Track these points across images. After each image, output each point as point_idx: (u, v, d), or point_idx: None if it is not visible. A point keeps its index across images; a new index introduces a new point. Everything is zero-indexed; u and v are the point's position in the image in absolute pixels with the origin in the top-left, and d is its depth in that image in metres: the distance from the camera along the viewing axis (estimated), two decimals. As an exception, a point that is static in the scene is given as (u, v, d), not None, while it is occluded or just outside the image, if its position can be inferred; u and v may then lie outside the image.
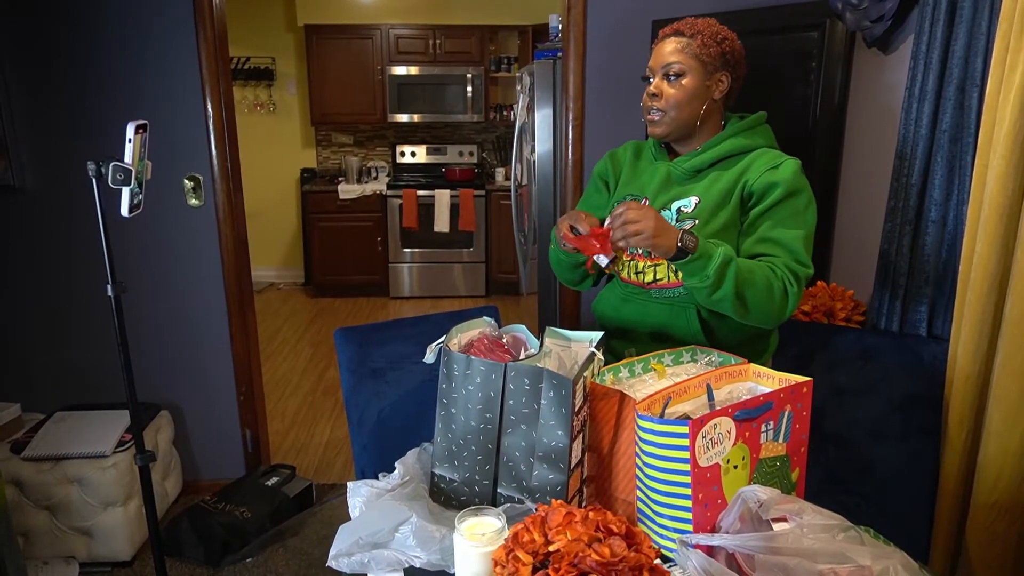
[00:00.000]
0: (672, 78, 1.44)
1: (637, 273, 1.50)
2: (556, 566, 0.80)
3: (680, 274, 1.38)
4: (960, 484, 1.53)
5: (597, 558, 0.79)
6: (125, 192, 1.62)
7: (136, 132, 1.59)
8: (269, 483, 2.65)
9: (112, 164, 1.57)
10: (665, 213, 1.47)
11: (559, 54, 2.77)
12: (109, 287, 1.70)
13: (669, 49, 1.44)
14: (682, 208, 1.46)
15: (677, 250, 1.29)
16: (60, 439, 2.42)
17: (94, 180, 1.60)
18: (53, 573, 2.33)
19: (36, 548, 2.37)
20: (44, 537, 2.36)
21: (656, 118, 1.47)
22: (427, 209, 5.45)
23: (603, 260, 1.42)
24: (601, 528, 0.85)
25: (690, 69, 1.43)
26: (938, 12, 1.58)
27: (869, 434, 1.66)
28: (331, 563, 1.10)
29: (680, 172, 1.50)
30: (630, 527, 0.88)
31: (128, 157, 1.59)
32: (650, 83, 1.48)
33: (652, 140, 1.57)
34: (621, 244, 1.32)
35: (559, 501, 0.93)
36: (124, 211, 1.63)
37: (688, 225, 1.43)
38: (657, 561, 0.94)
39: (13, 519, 2.21)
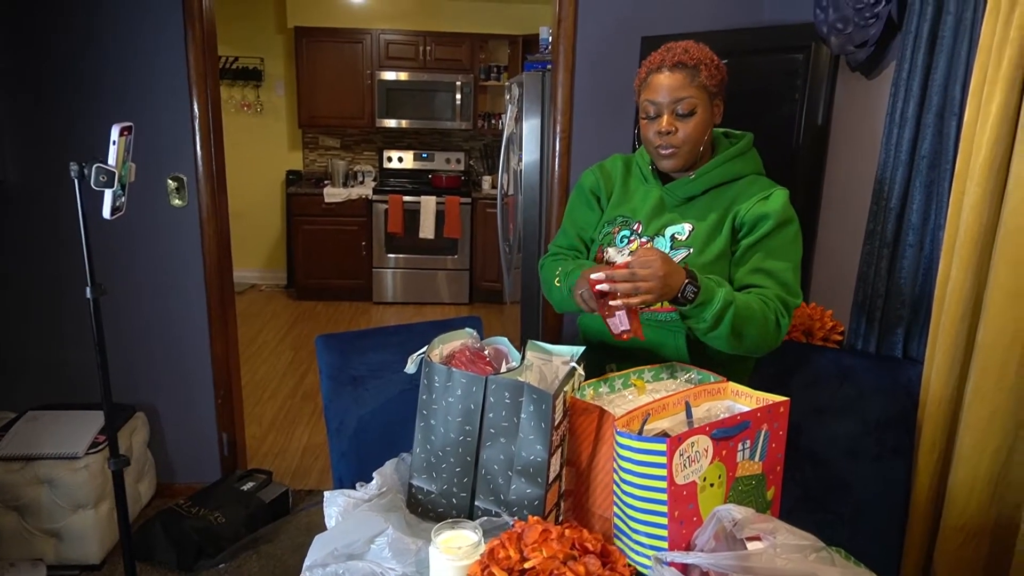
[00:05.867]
0: (685, 114, 1.41)
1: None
2: (531, 583, 0.80)
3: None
4: (931, 506, 1.55)
5: (572, 576, 0.79)
6: (108, 194, 1.60)
7: (121, 134, 1.58)
8: (245, 488, 2.63)
9: (95, 166, 1.55)
10: (659, 239, 1.48)
11: (548, 66, 2.79)
12: (88, 289, 1.68)
13: (675, 84, 1.40)
14: (676, 235, 1.47)
15: (677, 299, 1.29)
16: (31, 439, 2.38)
17: (76, 181, 1.58)
18: (20, 575, 2.29)
19: (3, 549, 2.32)
20: (12, 538, 2.32)
21: (669, 153, 1.44)
22: (412, 215, 5.44)
23: (619, 327, 1.35)
24: (577, 546, 0.85)
25: (700, 102, 1.41)
26: (919, 41, 1.61)
27: (845, 454, 1.68)
28: (305, 574, 1.09)
29: (673, 198, 1.50)
30: (605, 545, 0.89)
31: (112, 159, 1.58)
32: (652, 118, 1.44)
33: (643, 160, 1.56)
34: (634, 302, 1.28)
35: (535, 518, 0.93)
36: (106, 213, 1.62)
37: (683, 254, 1.44)
38: (632, 578, 0.95)
39: (-20, 520, 2.18)
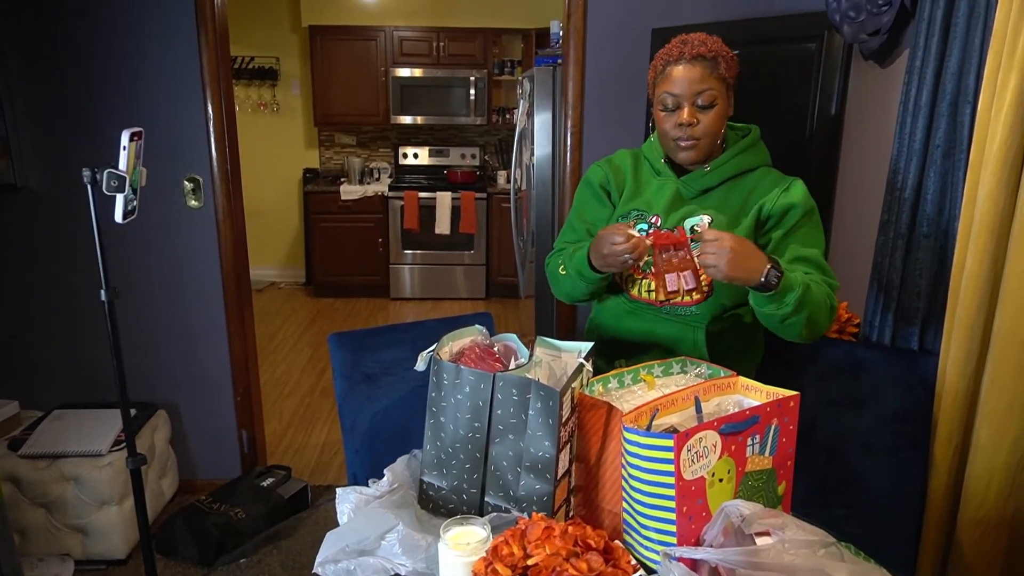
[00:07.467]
0: (705, 105, 1.42)
1: (649, 291, 1.50)
2: (535, 579, 0.81)
3: (695, 295, 1.41)
4: (947, 499, 1.54)
5: (574, 572, 0.80)
6: (119, 199, 1.64)
7: (131, 140, 1.61)
8: (264, 484, 2.66)
9: (106, 171, 1.59)
10: None
11: (559, 61, 2.78)
12: (102, 292, 1.72)
13: (696, 75, 1.41)
14: (696, 227, 1.46)
15: (761, 285, 1.29)
16: (57, 437, 2.43)
17: (89, 187, 1.62)
18: (48, 570, 2.34)
19: (32, 545, 2.38)
20: (40, 534, 2.38)
21: (689, 145, 1.45)
22: (428, 211, 5.46)
23: (671, 285, 1.35)
24: (579, 542, 0.85)
25: (719, 94, 1.43)
26: (933, 28, 1.59)
27: (859, 447, 1.67)
28: (317, 570, 1.11)
29: (689, 190, 1.51)
30: (608, 542, 0.89)
31: (123, 164, 1.61)
32: (670, 110, 1.44)
33: (653, 153, 1.56)
34: (703, 271, 1.30)
35: (539, 515, 0.94)
36: (118, 218, 1.65)
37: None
38: (640, 574, 0.95)
39: (9, 516, 2.22)
